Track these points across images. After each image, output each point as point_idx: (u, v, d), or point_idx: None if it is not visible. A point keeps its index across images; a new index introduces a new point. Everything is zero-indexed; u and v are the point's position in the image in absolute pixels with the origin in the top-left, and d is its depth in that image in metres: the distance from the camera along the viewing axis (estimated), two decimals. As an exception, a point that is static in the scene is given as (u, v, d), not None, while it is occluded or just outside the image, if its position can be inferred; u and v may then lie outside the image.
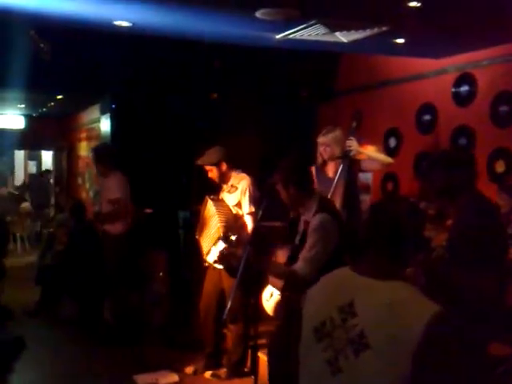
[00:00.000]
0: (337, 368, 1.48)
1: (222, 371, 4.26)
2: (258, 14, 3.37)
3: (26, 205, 10.47)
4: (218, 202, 4.17)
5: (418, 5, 3.08)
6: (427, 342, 1.40)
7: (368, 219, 1.66)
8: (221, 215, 4.05)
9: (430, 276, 2.17)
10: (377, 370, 1.42)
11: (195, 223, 4.55)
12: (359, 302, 1.51)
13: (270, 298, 3.63)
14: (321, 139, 4.14)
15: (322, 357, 1.52)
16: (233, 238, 3.48)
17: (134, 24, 3.68)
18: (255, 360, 3.46)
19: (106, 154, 5.48)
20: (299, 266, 2.90)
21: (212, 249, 4.12)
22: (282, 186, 3.03)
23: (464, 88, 4.63)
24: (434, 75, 4.88)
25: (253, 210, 4.06)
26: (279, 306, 3.36)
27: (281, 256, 3.42)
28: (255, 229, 3.00)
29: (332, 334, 1.51)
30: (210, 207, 4.15)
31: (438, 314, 1.44)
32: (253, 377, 3.41)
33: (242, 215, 4.14)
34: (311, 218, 2.97)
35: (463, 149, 4.52)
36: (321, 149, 4.12)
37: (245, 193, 4.12)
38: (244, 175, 4.23)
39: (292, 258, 3.08)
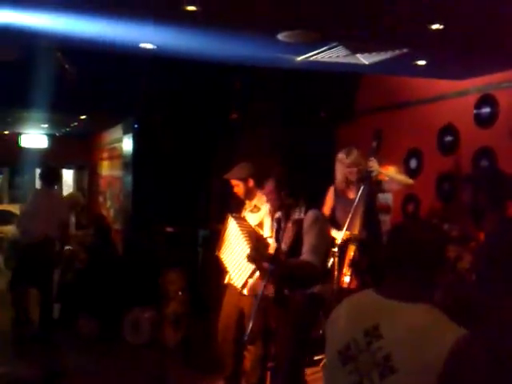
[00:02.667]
0: (362, 392, 1.47)
1: (241, 393, 4.23)
2: (279, 37, 3.41)
3: None
4: (240, 220, 4.17)
5: (441, 27, 3.09)
6: (452, 366, 1.39)
7: (390, 241, 1.66)
8: (244, 234, 4.04)
9: (457, 299, 2.15)
10: (402, 394, 1.40)
11: (214, 242, 4.56)
12: (385, 325, 1.50)
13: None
14: (348, 160, 4.11)
15: (347, 381, 1.50)
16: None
17: (158, 46, 3.74)
18: (275, 382, 3.43)
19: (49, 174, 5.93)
20: (307, 257, 2.97)
21: (248, 281, 4.05)
22: (274, 188, 3.26)
23: (485, 109, 4.60)
24: (455, 96, 4.87)
25: None
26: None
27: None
28: (277, 249, 3.02)
29: (357, 358, 1.50)
30: (233, 225, 4.15)
31: (463, 338, 1.43)
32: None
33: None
34: (303, 215, 3.14)
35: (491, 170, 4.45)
36: (349, 170, 4.09)
37: (268, 215, 4.12)
38: None
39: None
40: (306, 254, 3.03)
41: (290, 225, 3.24)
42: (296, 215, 3.19)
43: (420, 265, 1.55)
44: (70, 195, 8.54)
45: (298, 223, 3.14)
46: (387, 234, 1.68)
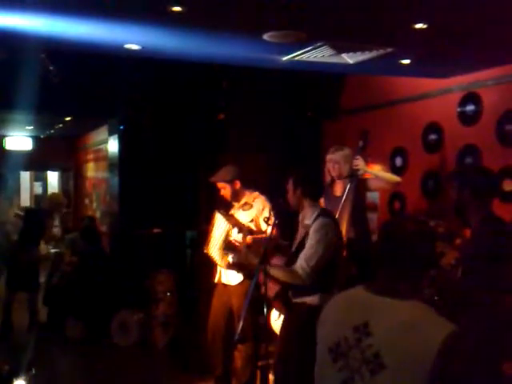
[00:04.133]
0: (353, 388, 1.48)
1: (232, 392, 4.23)
2: (265, 37, 3.42)
3: None
4: (227, 215, 4.19)
5: (424, 26, 3.12)
6: (442, 362, 1.40)
7: (380, 238, 1.68)
8: (229, 222, 4.09)
9: (444, 294, 2.18)
10: (393, 390, 1.42)
11: (202, 243, 4.56)
12: (374, 322, 1.51)
13: (279, 317, 3.63)
14: (330, 156, 4.17)
15: (338, 377, 1.52)
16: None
17: (143, 47, 3.73)
18: (265, 381, 3.44)
19: None
20: (299, 264, 3.00)
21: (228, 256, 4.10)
22: (292, 185, 3.22)
23: (470, 107, 4.65)
24: (439, 95, 4.92)
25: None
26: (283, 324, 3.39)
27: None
28: (267, 248, 3.04)
29: (347, 354, 1.52)
30: (218, 218, 4.17)
31: (453, 334, 1.45)
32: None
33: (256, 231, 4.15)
34: (312, 222, 3.12)
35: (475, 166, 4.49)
36: (329, 166, 4.15)
37: (263, 211, 4.14)
38: (257, 194, 4.27)
39: (291, 262, 3.16)
40: (299, 261, 3.06)
41: (301, 228, 3.25)
42: (306, 220, 3.19)
43: (412, 260, 1.57)
44: (51, 196, 8.46)
45: (306, 228, 3.15)
46: (377, 231, 1.70)
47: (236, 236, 4.02)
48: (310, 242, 3.06)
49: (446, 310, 1.55)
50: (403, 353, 1.43)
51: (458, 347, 1.44)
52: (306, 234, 3.13)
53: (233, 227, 4.07)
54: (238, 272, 4.09)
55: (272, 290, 3.16)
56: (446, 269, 2.73)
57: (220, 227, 4.12)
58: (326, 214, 3.26)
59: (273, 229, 3.29)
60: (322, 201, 4.17)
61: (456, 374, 1.42)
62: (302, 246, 3.14)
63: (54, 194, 9.61)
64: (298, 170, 3.33)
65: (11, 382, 3.89)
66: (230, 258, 4.05)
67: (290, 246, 3.46)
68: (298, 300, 3.16)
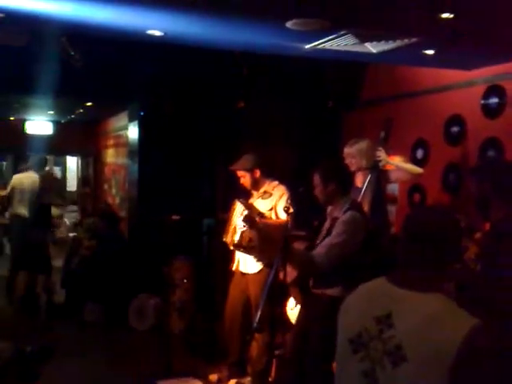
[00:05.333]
0: (373, 379, 1.48)
1: (247, 380, 4.26)
2: (288, 25, 3.39)
3: None
4: (248, 204, 4.20)
5: (451, 16, 3.07)
6: (465, 356, 1.39)
7: (404, 229, 1.64)
8: (247, 208, 4.11)
9: (463, 289, 2.16)
10: (414, 383, 1.41)
11: (220, 230, 4.58)
12: (397, 314, 1.50)
13: (295, 307, 3.64)
14: (346, 150, 4.15)
15: (359, 368, 1.51)
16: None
17: (165, 33, 3.73)
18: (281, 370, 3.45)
19: None
20: (317, 251, 2.97)
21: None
22: (322, 181, 3.14)
23: (493, 100, 4.58)
24: (462, 87, 4.84)
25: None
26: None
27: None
28: (285, 238, 3.03)
29: (369, 345, 1.51)
30: (238, 206, 4.19)
31: (475, 328, 1.43)
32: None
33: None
34: (341, 215, 3.08)
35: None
36: (347, 160, 4.13)
37: (280, 199, 4.14)
38: (277, 183, 4.26)
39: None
40: (318, 248, 3.03)
41: (329, 220, 3.21)
42: (336, 213, 3.16)
43: (437, 252, 1.54)
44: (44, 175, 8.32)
45: (334, 221, 3.12)
46: (396, 223, 1.68)
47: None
48: (334, 233, 3.03)
49: (466, 305, 1.52)
50: (425, 346, 1.42)
51: (482, 342, 1.42)
52: (332, 226, 3.09)
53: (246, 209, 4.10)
54: (258, 257, 4.09)
55: (290, 275, 3.15)
56: (468, 264, 2.71)
57: (240, 215, 4.14)
58: (356, 207, 3.19)
59: (288, 218, 3.28)
60: None
61: (478, 370, 1.40)
62: (327, 237, 3.11)
63: (48, 172, 9.73)
64: (327, 164, 3.26)
65: (34, 362, 3.97)
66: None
67: (308, 236, 3.44)
68: (319, 291, 3.14)
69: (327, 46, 3.86)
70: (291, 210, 3.35)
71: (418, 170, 4.20)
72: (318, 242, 3.22)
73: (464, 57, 4.28)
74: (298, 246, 3.32)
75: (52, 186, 8.64)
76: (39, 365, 4.16)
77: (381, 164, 3.97)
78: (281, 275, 2.95)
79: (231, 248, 4.25)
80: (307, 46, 3.94)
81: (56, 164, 15.53)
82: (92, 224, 6.81)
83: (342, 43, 3.79)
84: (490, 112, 4.62)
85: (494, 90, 4.57)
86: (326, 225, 3.23)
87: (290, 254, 3.04)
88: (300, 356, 3.13)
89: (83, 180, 12.13)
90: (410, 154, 5.26)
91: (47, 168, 9.47)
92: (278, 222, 4.06)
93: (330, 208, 3.23)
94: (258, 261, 4.13)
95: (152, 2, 3.07)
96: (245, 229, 4.05)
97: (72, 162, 14.25)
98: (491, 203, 2.60)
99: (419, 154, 5.27)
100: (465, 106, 4.84)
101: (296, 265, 3.13)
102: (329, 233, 3.11)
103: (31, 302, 6.29)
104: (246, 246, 4.06)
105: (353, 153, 4.13)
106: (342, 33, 3.56)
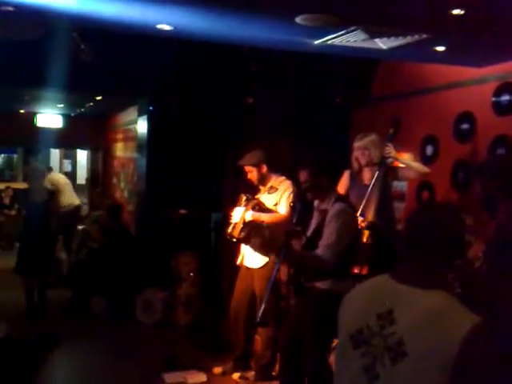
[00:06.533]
0: (374, 375, 1.48)
1: (251, 374, 4.28)
2: (298, 20, 3.38)
3: None
4: (252, 199, 4.22)
5: (462, 12, 3.04)
6: (466, 354, 1.39)
7: (406, 225, 1.65)
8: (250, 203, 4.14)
9: (467, 287, 2.14)
10: (414, 379, 1.41)
11: (227, 225, 4.59)
12: (398, 310, 1.50)
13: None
14: (358, 144, 4.12)
15: (359, 363, 1.51)
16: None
17: (175, 28, 3.73)
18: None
19: None
20: (322, 251, 3.00)
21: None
22: (313, 175, 3.19)
23: (505, 97, 4.54)
24: (473, 84, 4.80)
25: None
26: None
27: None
28: (288, 232, 3.04)
29: (369, 341, 1.51)
30: (242, 201, 4.22)
31: (477, 326, 1.42)
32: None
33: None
34: (330, 207, 3.13)
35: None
36: (358, 153, 4.10)
37: (284, 194, 4.16)
38: (284, 178, 4.27)
39: (307, 247, 3.16)
40: (320, 248, 3.06)
41: (317, 213, 3.26)
42: (324, 205, 3.20)
43: (438, 248, 1.54)
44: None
45: (323, 213, 3.15)
46: (405, 219, 1.67)
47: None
48: (330, 229, 3.06)
49: (469, 303, 1.51)
50: (426, 342, 1.42)
51: (484, 340, 1.42)
52: (323, 219, 3.13)
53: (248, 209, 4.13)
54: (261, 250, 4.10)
55: (283, 273, 3.18)
56: (473, 261, 2.69)
57: (239, 211, 4.18)
58: (342, 199, 3.28)
59: (292, 212, 3.29)
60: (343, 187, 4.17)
61: (479, 368, 1.40)
62: (318, 231, 3.13)
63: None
64: (316, 158, 3.31)
65: (38, 349, 4.01)
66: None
67: (303, 231, 3.46)
68: (310, 285, 3.17)
69: (336, 41, 3.84)
70: (296, 206, 3.36)
71: (425, 169, 4.18)
72: (308, 234, 3.24)
73: (475, 54, 4.24)
74: (295, 243, 3.34)
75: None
76: (44, 351, 4.19)
77: (389, 161, 3.95)
78: (283, 271, 2.97)
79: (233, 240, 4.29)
80: (316, 42, 3.92)
81: (66, 157, 15.62)
82: (98, 217, 6.84)
83: (351, 39, 3.77)
84: (500, 109, 4.58)
85: (505, 87, 4.53)
86: (316, 218, 3.25)
87: (293, 253, 3.06)
88: (296, 350, 3.15)
89: (92, 176, 12.19)
90: (420, 150, 5.23)
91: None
92: (278, 218, 4.08)
93: (316, 202, 3.26)
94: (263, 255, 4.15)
95: (161, -3, 3.08)
96: (237, 221, 4.10)
97: (82, 156, 14.33)
98: (497, 202, 2.59)
99: (429, 150, 5.23)
100: (475, 103, 4.80)
101: (304, 265, 3.15)
102: (321, 225, 3.13)
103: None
104: (238, 238, 4.10)
105: (365, 145, 4.11)
106: (351, 29, 3.54)
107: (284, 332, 3.51)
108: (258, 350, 4.32)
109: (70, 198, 8.33)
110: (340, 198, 3.23)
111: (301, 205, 3.19)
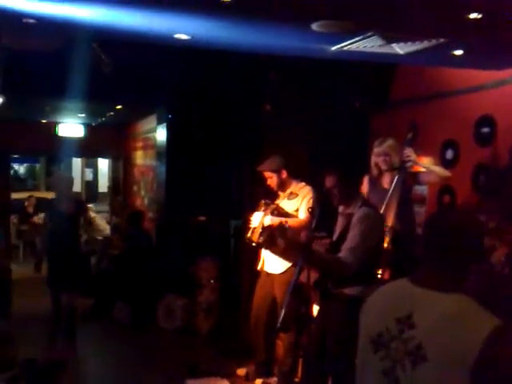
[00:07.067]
0: (394, 379, 1.48)
1: (273, 380, 4.28)
2: (313, 27, 3.39)
3: None
4: (271, 204, 4.24)
5: (479, 16, 3.03)
6: (486, 357, 1.38)
7: (425, 229, 1.65)
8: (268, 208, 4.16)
9: (489, 289, 2.13)
10: (434, 383, 1.41)
11: (246, 231, 4.61)
12: (418, 314, 1.50)
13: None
14: (378, 150, 4.11)
15: (379, 367, 1.52)
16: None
17: (192, 37, 3.77)
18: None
19: None
20: (344, 255, 2.99)
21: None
22: (338, 181, 3.20)
23: (525, 100, 4.50)
24: (493, 87, 4.76)
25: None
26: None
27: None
28: (308, 238, 3.04)
29: (389, 345, 1.51)
30: (261, 206, 4.25)
31: (498, 329, 1.42)
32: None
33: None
34: (356, 211, 3.13)
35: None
36: (379, 159, 4.09)
37: (304, 199, 4.17)
38: (304, 184, 4.29)
39: (331, 252, 3.16)
40: (343, 252, 3.05)
41: (342, 218, 3.26)
42: (350, 209, 3.20)
43: (457, 252, 1.54)
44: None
45: (349, 217, 3.15)
46: (424, 223, 1.67)
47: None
48: (354, 233, 3.05)
49: (492, 306, 1.51)
50: (446, 347, 1.41)
51: (505, 342, 1.41)
52: (348, 223, 3.13)
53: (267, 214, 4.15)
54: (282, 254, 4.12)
55: (311, 278, 3.17)
56: (496, 265, 2.67)
57: (258, 215, 4.20)
58: (368, 203, 3.27)
59: (311, 217, 3.30)
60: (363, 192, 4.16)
61: (500, 372, 1.39)
62: (343, 235, 3.13)
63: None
64: (340, 165, 3.32)
65: (44, 376, 4.02)
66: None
67: (327, 237, 3.46)
68: (337, 291, 3.15)
69: (353, 47, 3.85)
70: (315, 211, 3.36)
71: (446, 173, 4.15)
72: (334, 239, 3.25)
73: (493, 57, 4.21)
74: (318, 247, 3.33)
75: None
76: (51, 380, 4.20)
77: (409, 164, 3.93)
78: (303, 275, 2.97)
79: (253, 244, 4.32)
80: (333, 48, 3.93)
81: (88, 166, 15.83)
82: (118, 224, 6.92)
83: (368, 45, 3.77)
84: (521, 112, 4.53)
85: (525, 89, 4.49)
86: (340, 222, 3.26)
87: (314, 256, 3.05)
88: (321, 356, 3.14)
89: (114, 184, 12.33)
90: (440, 154, 5.20)
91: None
92: (298, 223, 4.08)
93: (341, 207, 3.26)
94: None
95: (179, 7, 3.12)
96: (256, 225, 4.11)
97: (103, 164, 14.50)
98: None
99: (449, 154, 5.20)
100: (496, 107, 4.76)
101: (325, 268, 3.15)
102: (346, 230, 3.12)
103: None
104: (257, 242, 4.13)
105: (386, 151, 4.10)
106: (368, 34, 3.54)
107: (306, 337, 3.50)
108: (279, 355, 4.32)
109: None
110: (365, 203, 3.23)
111: (320, 210, 3.19)
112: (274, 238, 3.90)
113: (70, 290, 5.37)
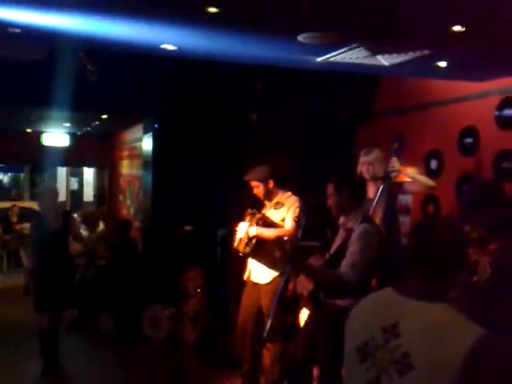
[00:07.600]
0: (380, 388, 1.49)
1: (259, 391, 4.26)
2: (300, 38, 3.43)
3: None
4: (256, 214, 4.25)
5: (463, 29, 3.08)
6: (471, 365, 1.40)
7: (409, 240, 1.68)
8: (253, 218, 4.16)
9: (474, 300, 2.15)
10: (422, 392, 1.42)
11: (233, 241, 4.61)
12: (403, 324, 1.51)
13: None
14: (363, 159, 4.16)
15: (365, 377, 1.53)
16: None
17: (179, 47, 3.79)
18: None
19: None
20: (344, 270, 2.99)
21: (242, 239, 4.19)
22: (336, 189, 3.15)
23: (508, 111, 4.56)
24: (476, 98, 4.83)
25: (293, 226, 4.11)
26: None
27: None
28: (294, 247, 3.05)
29: (375, 354, 1.52)
30: (246, 217, 4.26)
31: (482, 338, 1.44)
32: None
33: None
34: (356, 226, 3.08)
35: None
36: (363, 168, 4.13)
37: (290, 209, 4.18)
38: (290, 194, 4.30)
39: (330, 265, 3.15)
40: (343, 267, 3.04)
41: (342, 231, 3.23)
42: (350, 224, 3.18)
43: (441, 262, 1.56)
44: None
45: (349, 232, 3.14)
46: (408, 233, 1.69)
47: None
48: (354, 249, 3.02)
49: (473, 315, 1.52)
50: (431, 355, 1.43)
51: (488, 351, 1.42)
52: (347, 238, 3.11)
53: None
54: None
55: (305, 288, 3.16)
56: (481, 275, 2.69)
57: (244, 226, 4.21)
58: (369, 219, 3.23)
59: (297, 227, 3.29)
60: None
61: (485, 379, 1.40)
62: (342, 249, 3.12)
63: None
64: (341, 173, 3.30)
65: None
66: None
67: (322, 247, 3.45)
68: (330, 301, 3.15)
69: (339, 58, 3.89)
70: (300, 221, 3.36)
71: (430, 182, 4.20)
72: (332, 251, 3.23)
73: (476, 68, 4.28)
74: (315, 261, 3.32)
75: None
76: None
77: (394, 174, 3.97)
78: (290, 285, 2.97)
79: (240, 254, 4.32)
80: (319, 59, 3.97)
81: (73, 175, 15.71)
82: (102, 232, 6.86)
83: (353, 56, 3.82)
84: (504, 123, 4.60)
85: (508, 101, 4.56)
86: (340, 235, 3.24)
87: (306, 267, 3.05)
88: (309, 364, 3.14)
89: (99, 194, 12.25)
90: (424, 164, 5.25)
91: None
92: (280, 233, 4.10)
93: (342, 218, 3.25)
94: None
95: (165, 18, 3.13)
96: (242, 235, 4.12)
97: (89, 174, 14.41)
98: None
99: (433, 164, 5.25)
100: (479, 118, 4.83)
101: (323, 283, 3.13)
102: (345, 244, 3.11)
103: None
104: (243, 252, 4.13)
105: (370, 160, 4.14)
106: (353, 46, 3.59)
107: (293, 346, 3.49)
108: (266, 366, 4.30)
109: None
110: (366, 218, 3.19)
111: (305, 219, 3.20)
112: (261, 248, 3.90)
113: (57, 308, 5.12)
